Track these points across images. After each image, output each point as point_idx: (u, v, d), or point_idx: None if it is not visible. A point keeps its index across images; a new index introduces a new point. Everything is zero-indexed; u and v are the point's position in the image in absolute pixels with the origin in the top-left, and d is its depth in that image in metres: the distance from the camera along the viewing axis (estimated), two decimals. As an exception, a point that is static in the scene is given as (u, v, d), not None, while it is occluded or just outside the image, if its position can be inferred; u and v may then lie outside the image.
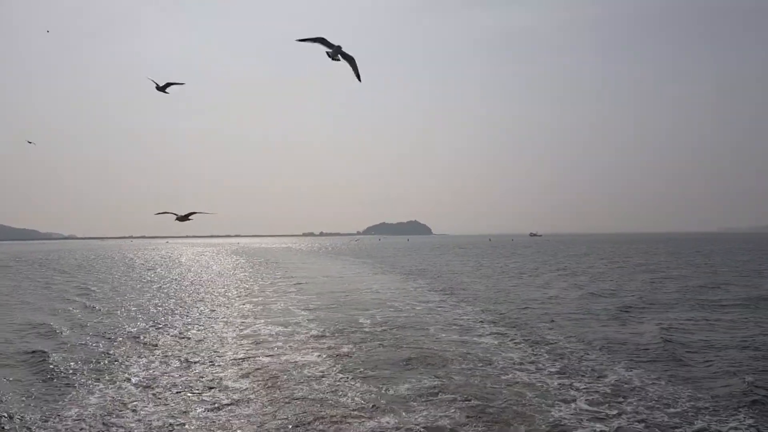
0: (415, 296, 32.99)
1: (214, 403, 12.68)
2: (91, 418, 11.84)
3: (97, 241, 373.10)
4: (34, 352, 18.01)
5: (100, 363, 16.57)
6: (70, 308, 29.09)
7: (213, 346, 19.01)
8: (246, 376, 14.94)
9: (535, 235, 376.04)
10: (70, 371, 15.64)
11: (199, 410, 12.25)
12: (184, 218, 16.38)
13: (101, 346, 19.05)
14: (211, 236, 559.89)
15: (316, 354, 17.37)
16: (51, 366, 16.13)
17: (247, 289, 38.90)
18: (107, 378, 14.95)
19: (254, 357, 17.10)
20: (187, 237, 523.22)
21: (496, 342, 18.93)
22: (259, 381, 14.39)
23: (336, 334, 20.52)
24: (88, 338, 20.50)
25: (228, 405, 12.55)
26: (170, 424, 11.46)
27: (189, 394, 13.40)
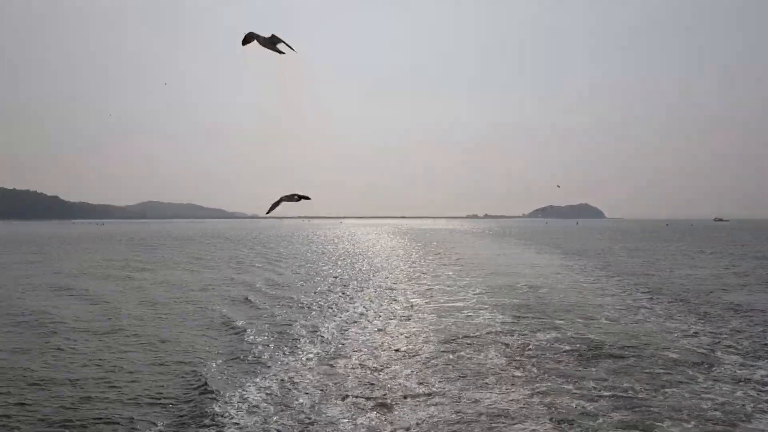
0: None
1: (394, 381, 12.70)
2: (270, 394, 12.03)
3: (277, 221, 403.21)
4: (232, 322, 19.57)
5: (284, 339, 17.21)
6: (264, 282, 31.43)
7: (391, 324, 19.35)
8: (429, 365, 14.42)
9: (720, 220, 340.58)
10: (260, 344, 16.41)
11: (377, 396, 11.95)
12: (290, 198, 16.27)
13: (290, 320, 20.07)
14: (377, 217, 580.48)
15: (494, 340, 16.80)
16: (246, 338, 17.09)
17: (419, 271, 39.54)
18: (291, 354, 15.40)
19: (435, 342, 16.78)
20: (356, 218, 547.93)
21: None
22: (438, 369, 13.96)
23: (518, 324, 19.33)
24: (280, 312, 21.74)
25: (412, 396, 12.05)
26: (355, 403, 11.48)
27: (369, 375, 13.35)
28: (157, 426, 10.40)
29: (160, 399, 11.76)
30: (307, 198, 15.88)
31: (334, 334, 17.91)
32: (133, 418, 10.73)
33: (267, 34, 12.76)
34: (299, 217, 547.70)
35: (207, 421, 10.53)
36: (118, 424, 10.52)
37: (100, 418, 10.74)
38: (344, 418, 10.70)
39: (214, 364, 14.26)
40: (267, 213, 16.22)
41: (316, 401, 11.62)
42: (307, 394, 12.06)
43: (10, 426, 10.44)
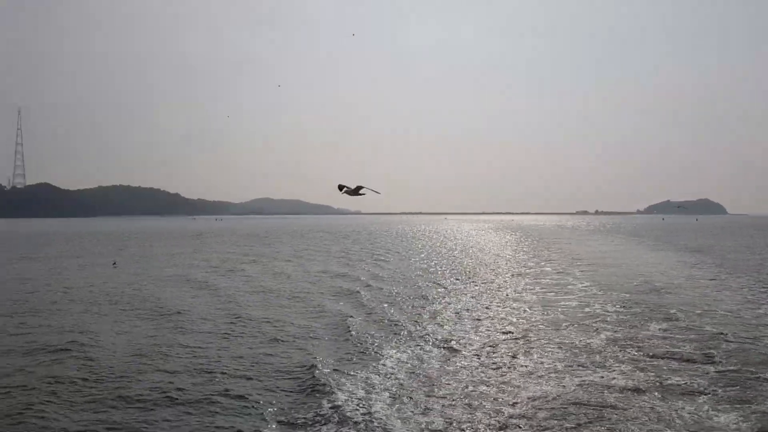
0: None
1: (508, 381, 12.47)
2: (378, 384, 12.25)
3: (383, 217, 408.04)
4: (341, 313, 20.45)
5: (394, 331, 17.54)
6: (371, 276, 32.76)
7: (505, 319, 19.35)
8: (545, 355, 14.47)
9: None
10: (368, 336, 16.71)
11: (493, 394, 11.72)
12: (354, 192, 16.19)
13: (398, 312, 20.73)
14: (483, 213, 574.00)
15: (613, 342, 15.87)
16: (353, 330, 17.52)
17: (528, 265, 39.73)
18: (399, 346, 15.59)
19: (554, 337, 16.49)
20: (460, 213, 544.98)
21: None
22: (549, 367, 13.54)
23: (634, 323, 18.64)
24: (386, 306, 22.13)
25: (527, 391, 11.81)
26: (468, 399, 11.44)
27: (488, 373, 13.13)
28: (271, 406, 11.07)
29: (273, 388, 12.19)
30: (376, 192, 16.46)
31: (444, 325, 18.39)
32: (248, 398, 11.50)
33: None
34: (403, 213, 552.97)
35: (315, 410, 10.83)
36: (238, 400, 11.39)
37: (227, 394, 11.75)
38: (462, 411, 10.71)
39: (323, 353, 14.63)
40: (342, 192, 16.24)
41: (426, 393, 11.68)
42: (417, 385, 12.18)
43: (147, 399, 11.61)
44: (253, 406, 11.09)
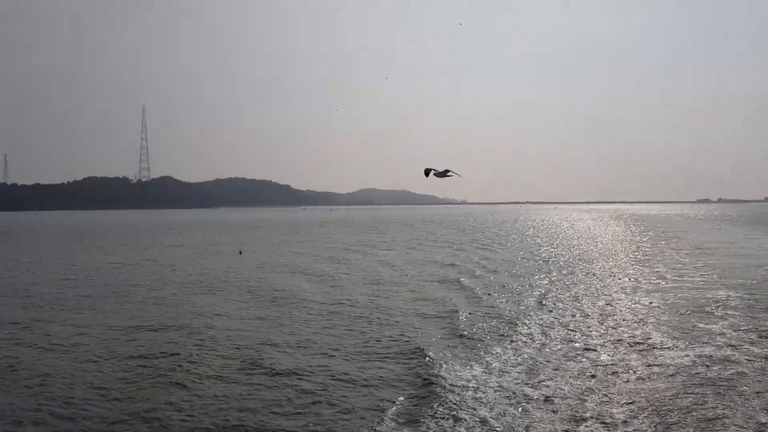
0: None
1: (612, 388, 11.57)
2: (485, 382, 11.94)
3: (490, 206, 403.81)
4: (450, 303, 20.54)
5: (505, 322, 17.45)
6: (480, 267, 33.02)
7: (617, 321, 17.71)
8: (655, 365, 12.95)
9: None
10: (475, 328, 16.65)
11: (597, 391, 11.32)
12: (442, 174, 15.82)
13: (507, 303, 20.51)
14: (594, 202, 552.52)
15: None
16: (461, 320, 17.63)
17: (646, 255, 38.43)
18: (511, 339, 15.42)
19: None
20: (570, 203, 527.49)
21: None
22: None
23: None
24: (497, 298, 21.85)
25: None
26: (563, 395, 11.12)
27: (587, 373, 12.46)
28: (382, 395, 11.34)
29: (380, 375, 12.49)
30: (459, 175, 16.41)
31: (556, 315, 18.24)
32: (360, 382, 12.00)
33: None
34: (512, 203, 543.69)
35: (422, 402, 10.87)
36: (350, 384, 11.90)
37: (341, 377, 12.33)
38: (586, 409, 10.35)
39: (430, 346, 14.64)
40: (427, 175, 16.49)
41: (542, 389, 11.35)
42: (531, 381, 11.87)
43: (268, 375, 12.52)
44: (363, 393, 11.41)
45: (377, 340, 15.44)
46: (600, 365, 12.91)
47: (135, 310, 20.07)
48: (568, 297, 21.48)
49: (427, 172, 15.94)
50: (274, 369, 12.98)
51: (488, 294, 22.61)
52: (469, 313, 18.78)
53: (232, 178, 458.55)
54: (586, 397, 10.91)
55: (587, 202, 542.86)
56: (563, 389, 11.32)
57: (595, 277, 27.26)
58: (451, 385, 11.60)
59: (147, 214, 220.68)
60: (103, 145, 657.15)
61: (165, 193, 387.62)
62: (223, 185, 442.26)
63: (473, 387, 11.54)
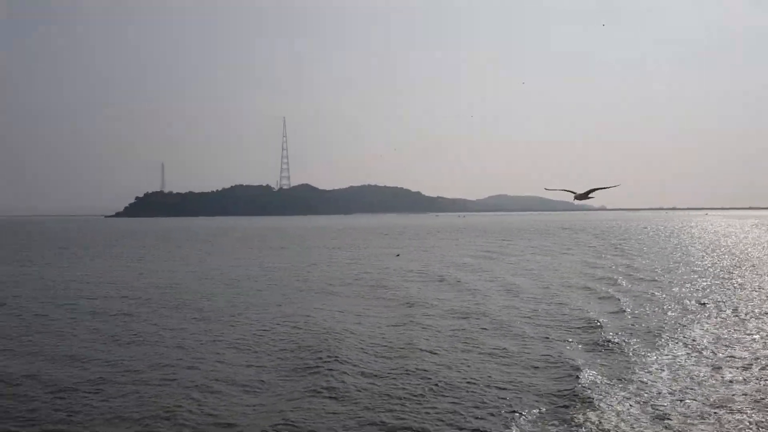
0: None
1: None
2: (640, 395, 11.60)
3: (630, 213, 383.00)
4: (589, 318, 19.28)
5: (657, 336, 16.74)
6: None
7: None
8: None
9: None
10: (622, 341, 15.97)
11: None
12: (583, 197, 15.62)
13: (656, 317, 19.50)
14: (750, 208, 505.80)
15: None
16: (606, 333, 16.91)
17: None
18: (663, 354, 14.78)
19: None
20: (722, 209, 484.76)
21: None
22: None
23: None
24: (644, 307, 21.29)
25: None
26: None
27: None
28: (523, 402, 11.27)
29: (523, 386, 12.21)
30: (613, 186, 14.99)
31: (707, 334, 17.01)
32: (502, 389, 11.88)
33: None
34: (655, 209, 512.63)
35: (560, 414, 10.68)
36: (491, 390, 11.88)
37: (482, 384, 12.28)
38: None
39: (574, 356, 14.30)
40: (574, 199, 16.07)
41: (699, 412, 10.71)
42: (689, 402, 11.21)
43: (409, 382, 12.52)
44: (506, 401, 11.39)
45: (519, 349, 15.34)
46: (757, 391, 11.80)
47: (296, 307, 22.17)
48: (715, 319, 19.46)
49: (581, 196, 15.72)
50: (415, 372, 13.20)
51: (638, 305, 21.80)
52: (617, 324, 18.28)
53: (365, 186, 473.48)
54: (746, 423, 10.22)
55: (743, 208, 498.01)
56: (717, 413, 10.61)
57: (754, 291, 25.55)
58: (596, 399, 11.29)
59: (292, 220, 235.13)
60: (249, 155, 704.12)
61: (304, 200, 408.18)
62: (356, 192, 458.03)
63: (620, 402, 11.18)
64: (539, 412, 10.78)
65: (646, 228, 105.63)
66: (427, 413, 10.82)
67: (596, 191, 15.65)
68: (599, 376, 12.70)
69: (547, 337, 16.64)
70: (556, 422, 10.31)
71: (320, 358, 14.38)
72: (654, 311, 20.64)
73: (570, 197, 16.76)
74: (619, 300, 22.88)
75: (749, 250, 49.75)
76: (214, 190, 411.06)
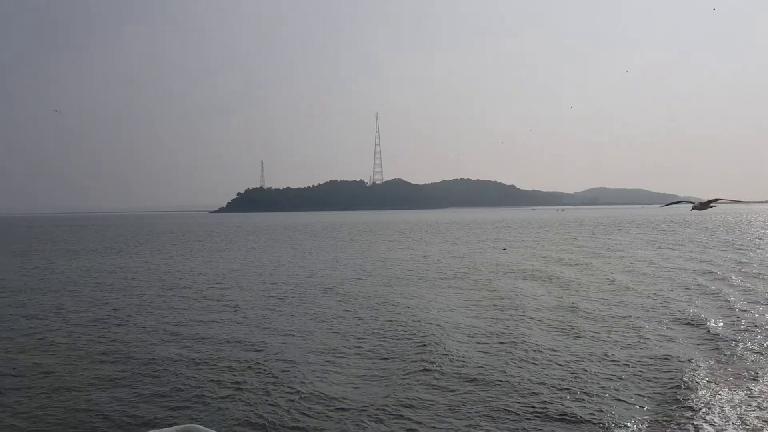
0: None
1: None
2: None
3: (744, 206, 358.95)
4: (698, 317, 18.57)
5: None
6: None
7: None
8: None
9: None
10: (737, 347, 15.00)
11: None
12: (704, 206, 14.79)
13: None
14: None
15: None
16: (713, 334, 16.33)
17: None
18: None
19: None
20: None
21: None
22: None
23: None
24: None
25: None
26: None
27: None
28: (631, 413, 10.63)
29: (629, 393, 11.68)
30: (738, 201, 14.98)
31: None
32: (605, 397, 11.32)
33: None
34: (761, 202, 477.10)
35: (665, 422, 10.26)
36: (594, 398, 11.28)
37: (582, 390, 11.70)
38: None
39: (687, 364, 13.54)
40: (692, 210, 14.82)
41: None
42: None
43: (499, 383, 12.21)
44: (612, 399, 11.23)
45: (625, 346, 15.13)
46: None
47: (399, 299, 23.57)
48: None
49: (702, 206, 14.75)
50: (521, 364, 13.34)
51: (747, 304, 20.75)
52: (727, 324, 17.59)
53: (457, 179, 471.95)
54: None
55: None
56: None
57: None
58: (704, 406, 10.83)
59: (388, 214, 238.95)
60: (342, 151, 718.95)
61: (397, 194, 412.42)
62: (449, 187, 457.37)
63: (727, 411, 10.61)
64: (642, 410, 10.67)
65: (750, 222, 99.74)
66: (533, 407, 10.91)
67: (718, 202, 14.93)
68: (707, 379, 12.31)
69: (654, 336, 16.24)
70: (659, 423, 10.14)
71: (424, 347, 15.14)
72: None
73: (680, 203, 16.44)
74: (730, 299, 21.96)
75: None
76: (310, 186, 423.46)
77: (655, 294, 23.47)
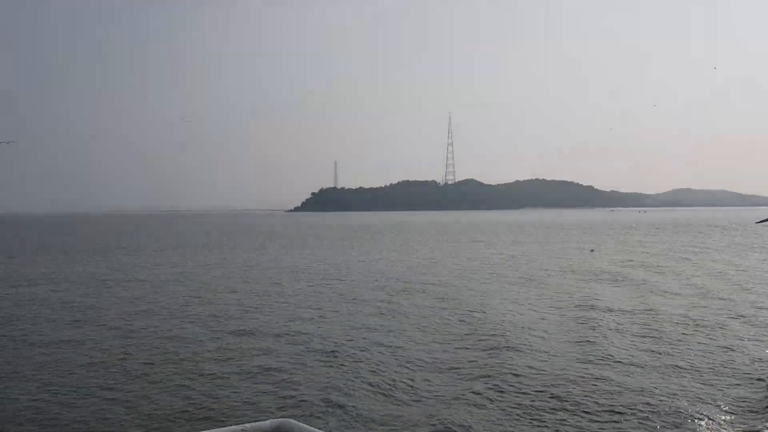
0: None
1: None
2: None
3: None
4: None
5: None
6: None
7: None
8: None
9: None
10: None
11: None
12: None
13: None
14: None
15: None
16: None
17: None
18: None
19: None
20: None
21: None
22: None
23: None
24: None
25: None
26: None
27: None
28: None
29: (703, 395, 11.72)
30: None
31: None
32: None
33: None
34: None
35: None
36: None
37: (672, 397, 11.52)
38: None
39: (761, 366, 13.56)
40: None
41: None
42: None
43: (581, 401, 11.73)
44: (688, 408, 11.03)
45: (703, 354, 14.97)
46: None
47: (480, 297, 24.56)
48: None
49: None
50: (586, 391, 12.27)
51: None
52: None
53: (531, 180, 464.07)
54: None
55: None
56: None
57: None
58: None
59: (463, 215, 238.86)
60: (415, 150, 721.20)
61: (470, 195, 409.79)
62: (523, 186, 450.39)
63: None
64: (721, 422, 10.47)
65: None
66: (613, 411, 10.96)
67: None
68: None
69: (736, 345, 15.88)
70: None
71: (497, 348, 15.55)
72: None
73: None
74: None
75: None
76: (383, 186, 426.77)
77: (744, 300, 22.92)
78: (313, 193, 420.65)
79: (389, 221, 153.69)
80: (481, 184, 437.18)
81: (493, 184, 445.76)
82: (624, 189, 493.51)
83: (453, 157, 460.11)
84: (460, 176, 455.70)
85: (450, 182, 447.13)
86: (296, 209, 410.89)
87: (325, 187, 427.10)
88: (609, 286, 27.40)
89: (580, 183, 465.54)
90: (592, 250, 47.21)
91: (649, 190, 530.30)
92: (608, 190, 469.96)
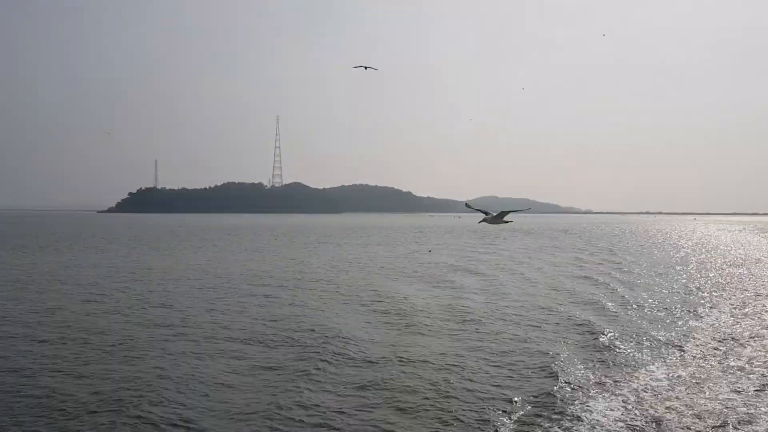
0: None
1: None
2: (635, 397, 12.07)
3: (617, 216, 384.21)
4: (585, 322, 19.58)
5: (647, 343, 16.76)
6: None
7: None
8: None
9: None
10: (620, 346, 16.17)
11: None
12: (496, 220, 15.74)
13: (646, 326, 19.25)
14: (730, 214, 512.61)
15: None
16: (603, 340, 16.93)
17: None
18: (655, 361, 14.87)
19: None
20: (706, 214, 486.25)
21: None
22: None
23: None
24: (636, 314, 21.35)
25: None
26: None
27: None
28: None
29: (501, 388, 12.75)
30: (525, 211, 16.17)
31: (704, 342, 17.05)
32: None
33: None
34: (641, 213, 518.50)
35: None
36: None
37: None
38: None
39: (556, 356, 14.74)
40: (480, 222, 15.96)
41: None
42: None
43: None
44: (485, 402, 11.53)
45: (500, 344, 16.22)
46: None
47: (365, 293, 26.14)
48: (707, 325, 19.72)
49: (494, 220, 15.26)
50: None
51: (626, 311, 22.09)
52: (607, 326, 19.01)
53: (355, 185, 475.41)
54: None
55: (727, 213, 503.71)
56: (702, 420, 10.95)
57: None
58: (580, 402, 11.63)
59: (287, 218, 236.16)
60: (241, 153, 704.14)
61: (295, 198, 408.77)
62: (347, 191, 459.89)
63: (606, 407, 11.53)
64: (521, 414, 11.11)
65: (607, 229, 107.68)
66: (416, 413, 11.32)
67: (510, 214, 15.75)
68: (583, 378, 13.18)
69: (535, 337, 17.23)
70: (537, 423, 10.73)
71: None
72: (649, 310, 21.93)
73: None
74: (608, 301, 23.84)
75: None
76: (207, 187, 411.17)
77: (536, 296, 25.82)
78: (130, 193, 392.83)
79: (221, 224, 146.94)
80: (307, 187, 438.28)
81: (319, 188, 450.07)
82: (439, 195, 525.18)
83: (280, 161, 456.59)
84: (287, 180, 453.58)
85: (277, 185, 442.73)
86: (110, 210, 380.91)
87: (144, 187, 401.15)
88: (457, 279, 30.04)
89: (401, 189, 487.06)
90: (429, 251, 51.05)
91: (461, 196, 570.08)
92: (425, 196, 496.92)
